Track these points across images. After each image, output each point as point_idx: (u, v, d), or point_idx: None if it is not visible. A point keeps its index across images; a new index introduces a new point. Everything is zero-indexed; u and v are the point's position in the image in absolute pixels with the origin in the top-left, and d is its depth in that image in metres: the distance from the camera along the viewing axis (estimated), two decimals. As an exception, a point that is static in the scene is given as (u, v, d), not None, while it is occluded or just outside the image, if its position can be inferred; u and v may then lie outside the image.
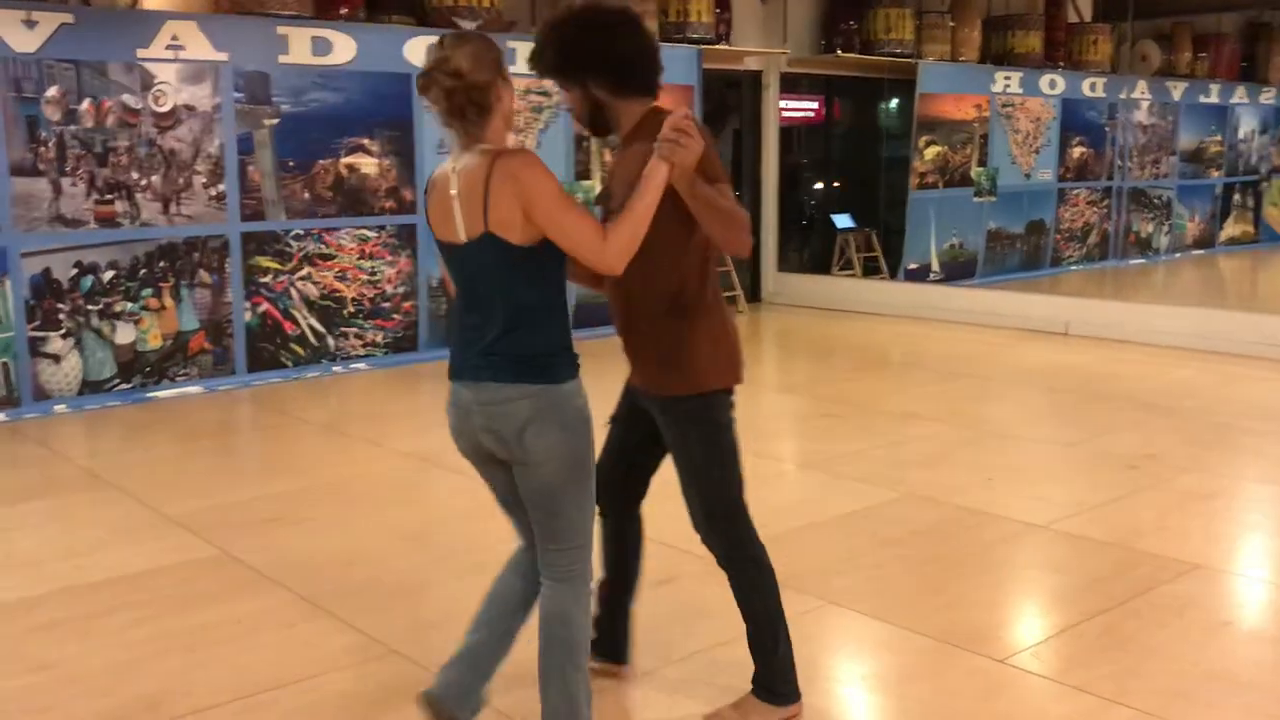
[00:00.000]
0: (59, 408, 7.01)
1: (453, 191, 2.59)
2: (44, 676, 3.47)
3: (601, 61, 2.89)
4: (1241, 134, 15.93)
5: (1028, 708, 3.23)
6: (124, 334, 7.29)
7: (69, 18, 6.91)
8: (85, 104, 7.02)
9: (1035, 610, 4.02)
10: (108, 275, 7.20)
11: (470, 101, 2.55)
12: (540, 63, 2.94)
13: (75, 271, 7.08)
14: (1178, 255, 15.21)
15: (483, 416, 2.62)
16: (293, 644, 3.66)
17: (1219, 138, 15.60)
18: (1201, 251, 15.60)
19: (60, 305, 7.04)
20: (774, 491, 5.15)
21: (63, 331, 7.06)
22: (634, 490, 3.26)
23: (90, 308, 7.15)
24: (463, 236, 2.59)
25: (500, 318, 2.60)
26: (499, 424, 2.60)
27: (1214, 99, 15.32)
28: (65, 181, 6.99)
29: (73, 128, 6.99)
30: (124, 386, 7.30)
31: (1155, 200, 14.88)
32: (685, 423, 2.96)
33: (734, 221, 2.77)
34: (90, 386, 7.18)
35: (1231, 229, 16.21)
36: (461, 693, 2.80)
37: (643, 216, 2.56)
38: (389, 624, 3.79)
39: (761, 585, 3.03)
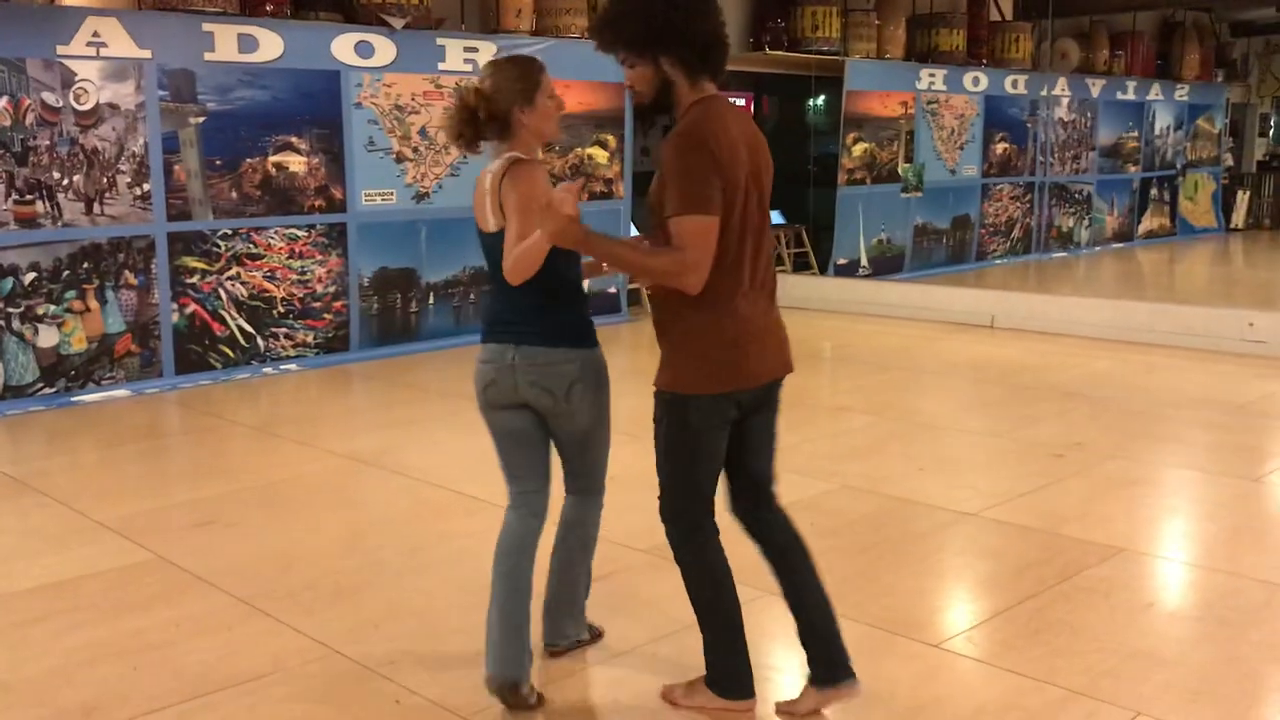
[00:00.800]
0: (-20, 413, 6.85)
1: (486, 188, 3.07)
2: (-26, 687, 3.40)
3: (685, 39, 2.79)
4: (1157, 130, 16.36)
5: (962, 690, 3.32)
6: (47, 337, 7.14)
7: (-15, 14, 6.75)
8: (3, 102, 6.85)
9: (968, 596, 4.12)
10: (29, 277, 7.04)
11: (470, 120, 3.06)
12: (613, 32, 2.82)
13: (-5, 273, 6.93)
14: (1098, 248, 15.57)
15: (534, 374, 3.08)
16: (231, 647, 3.63)
17: (1136, 133, 16.00)
18: (1120, 245, 15.99)
19: (-20, 308, 6.89)
20: (711, 485, 5.18)
21: (-17, 335, 6.90)
22: (747, 490, 3.10)
23: (11, 310, 6.99)
24: (493, 226, 3.07)
25: (526, 294, 3.01)
26: (551, 382, 3.09)
27: (1131, 96, 15.71)
28: (-17, 181, 6.83)
29: (-10, 126, 6.84)
30: (48, 391, 7.15)
31: (1076, 195, 15.23)
32: (660, 414, 2.93)
33: (644, 271, 2.86)
34: (12, 391, 7.01)
35: (1149, 223, 16.64)
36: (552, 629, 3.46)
37: (526, 253, 2.87)
38: (329, 625, 3.77)
39: (701, 583, 3.01)
